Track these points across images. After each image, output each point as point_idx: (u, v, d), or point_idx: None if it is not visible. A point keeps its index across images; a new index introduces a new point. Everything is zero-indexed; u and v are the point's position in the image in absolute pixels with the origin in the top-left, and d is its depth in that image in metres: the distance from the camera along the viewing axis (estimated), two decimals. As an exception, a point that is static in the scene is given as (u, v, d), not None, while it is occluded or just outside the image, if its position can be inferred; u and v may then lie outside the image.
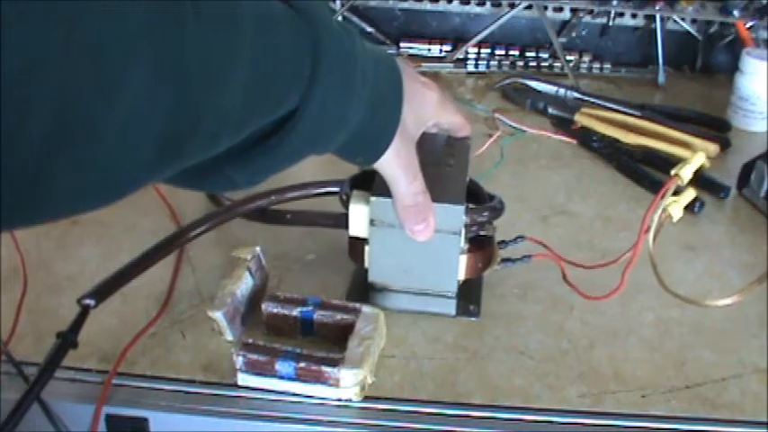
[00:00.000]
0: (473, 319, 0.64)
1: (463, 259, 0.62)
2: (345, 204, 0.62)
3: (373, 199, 0.59)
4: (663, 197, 0.56)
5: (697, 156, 0.58)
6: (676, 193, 0.57)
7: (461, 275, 0.63)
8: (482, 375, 0.59)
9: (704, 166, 0.86)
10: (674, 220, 0.57)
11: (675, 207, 0.57)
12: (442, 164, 0.64)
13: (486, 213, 0.62)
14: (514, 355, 0.61)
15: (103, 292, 0.59)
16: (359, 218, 0.61)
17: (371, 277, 0.63)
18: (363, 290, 0.64)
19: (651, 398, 0.57)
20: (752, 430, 0.55)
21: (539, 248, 0.66)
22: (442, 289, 0.63)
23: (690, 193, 0.57)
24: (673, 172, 0.57)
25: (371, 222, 0.60)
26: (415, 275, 0.62)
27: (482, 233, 0.63)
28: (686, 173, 0.57)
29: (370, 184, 0.61)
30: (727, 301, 0.56)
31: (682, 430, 0.55)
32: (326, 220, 0.70)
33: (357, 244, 0.63)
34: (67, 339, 0.55)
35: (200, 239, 0.72)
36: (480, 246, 0.63)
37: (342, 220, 0.62)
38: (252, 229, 0.73)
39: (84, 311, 0.57)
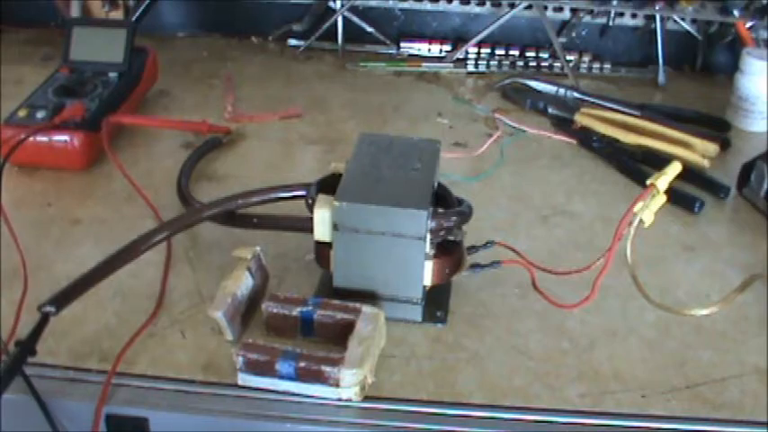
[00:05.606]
0: (439, 325, 0.63)
1: (429, 265, 0.61)
2: (311, 208, 0.61)
3: (336, 204, 0.59)
4: (636, 206, 0.57)
5: (673, 166, 0.58)
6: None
7: (427, 281, 0.62)
8: (482, 375, 0.59)
9: (704, 166, 0.88)
10: (646, 225, 0.57)
11: (647, 213, 0.57)
12: (409, 168, 0.63)
13: (453, 218, 0.61)
14: (514, 355, 0.61)
15: (64, 299, 0.57)
16: (323, 222, 0.60)
17: (336, 282, 0.63)
18: (330, 295, 0.63)
19: (651, 398, 0.57)
20: (752, 430, 0.55)
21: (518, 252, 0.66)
22: (408, 295, 0.62)
23: (660, 199, 0.58)
24: (648, 181, 0.57)
25: (335, 227, 0.60)
26: (380, 281, 0.62)
27: (450, 238, 0.62)
28: (662, 183, 0.57)
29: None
30: (706, 311, 0.56)
31: (682, 430, 0.55)
32: (292, 224, 0.69)
33: (323, 248, 0.62)
34: (27, 347, 0.54)
35: (201, 240, 0.72)
36: (448, 251, 0.62)
37: (308, 225, 0.62)
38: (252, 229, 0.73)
39: (45, 319, 0.56)
